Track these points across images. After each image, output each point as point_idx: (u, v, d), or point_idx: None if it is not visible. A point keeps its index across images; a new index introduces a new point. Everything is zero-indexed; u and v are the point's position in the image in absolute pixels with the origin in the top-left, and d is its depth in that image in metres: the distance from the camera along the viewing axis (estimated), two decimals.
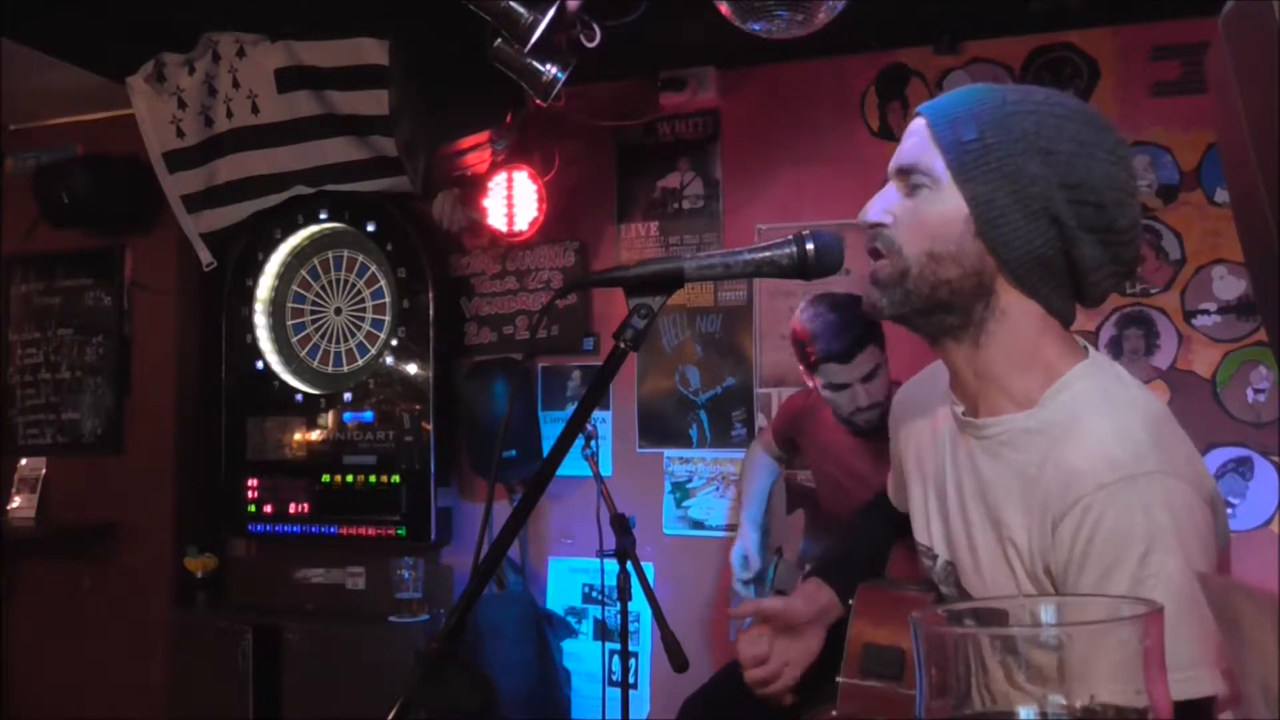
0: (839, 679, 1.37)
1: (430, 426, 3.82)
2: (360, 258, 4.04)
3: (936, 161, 1.18)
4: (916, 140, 1.21)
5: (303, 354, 4.12)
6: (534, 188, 3.85)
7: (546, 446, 3.29)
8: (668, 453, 3.82)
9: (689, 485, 3.78)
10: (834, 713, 1.35)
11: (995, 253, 1.17)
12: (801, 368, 2.75)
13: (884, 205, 1.22)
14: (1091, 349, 1.26)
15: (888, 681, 1.32)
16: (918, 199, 1.19)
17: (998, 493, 1.21)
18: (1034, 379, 1.20)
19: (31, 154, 4.41)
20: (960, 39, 3.49)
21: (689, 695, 2.76)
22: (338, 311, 4.08)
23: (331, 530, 3.93)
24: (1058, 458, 1.15)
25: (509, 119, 3.73)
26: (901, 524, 1.48)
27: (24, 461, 4.38)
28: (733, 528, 3.56)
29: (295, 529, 3.98)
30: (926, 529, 1.36)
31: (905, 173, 1.21)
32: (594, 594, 3.83)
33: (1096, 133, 1.17)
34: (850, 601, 1.42)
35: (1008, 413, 1.21)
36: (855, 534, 1.68)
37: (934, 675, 0.59)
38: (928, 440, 1.37)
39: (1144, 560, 1.06)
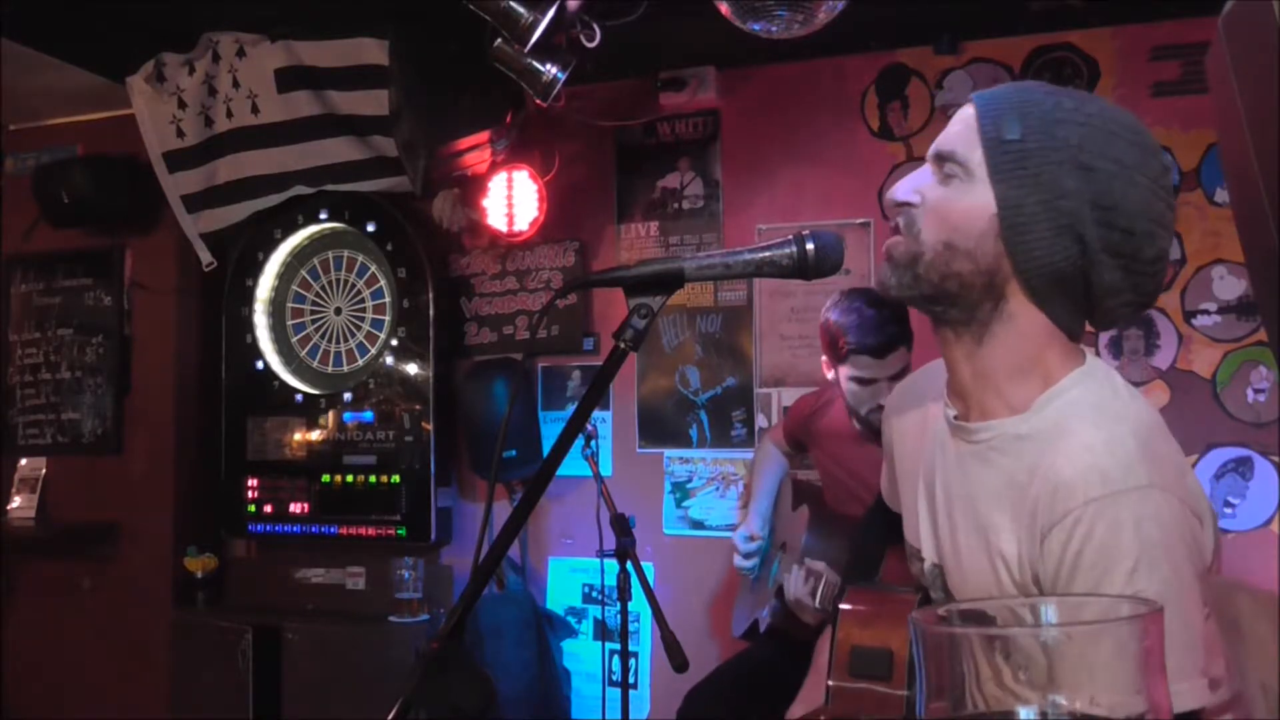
0: (829, 682, 1.38)
1: (430, 426, 3.82)
2: (360, 258, 4.04)
3: (974, 153, 1.16)
4: (961, 128, 1.19)
5: (303, 354, 4.12)
6: (534, 188, 3.85)
7: (546, 446, 3.29)
8: (668, 453, 3.82)
9: (689, 485, 3.78)
10: (822, 718, 1.36)
11: (1013, 258, 1.15)
12: (825, 359, 2.74)
13: (915, 185, 1.21)
14: (1089, 355, 1.24)
15: (876, 682, 1.33)
16: (949, 187, 1.18)
17: (987, 499, 1.20)
18: (1032, 385, 1.19)
19: (31, 154, 4.41)
20: (960, 39, 3.49)
21: (692, 687, 2.77)
22: (338, 311, 4.08)
23: (331, 530, 3.93)
24: (1047, 467, 1.14)
25: (509, 119, 3.73)
26: (896, 525, 1.48)
27: (24, 461, 4.38)
28: (732, 528, 3.56)
29: (295, 529, 3.98)
30: (916, 530, 1.35)
31: (942, 159, 1.19)
32: (594, 594, 3.83)
33: (1142, 155, 1.14)
34: (839, 605, 1.43)
35: (1000, 417, 1.20)
36: (859, 548, 1.68)
37: (933, 676, 0.59)
38: (920, 440, 1.35)
39: (1132, 576, 1.06)
